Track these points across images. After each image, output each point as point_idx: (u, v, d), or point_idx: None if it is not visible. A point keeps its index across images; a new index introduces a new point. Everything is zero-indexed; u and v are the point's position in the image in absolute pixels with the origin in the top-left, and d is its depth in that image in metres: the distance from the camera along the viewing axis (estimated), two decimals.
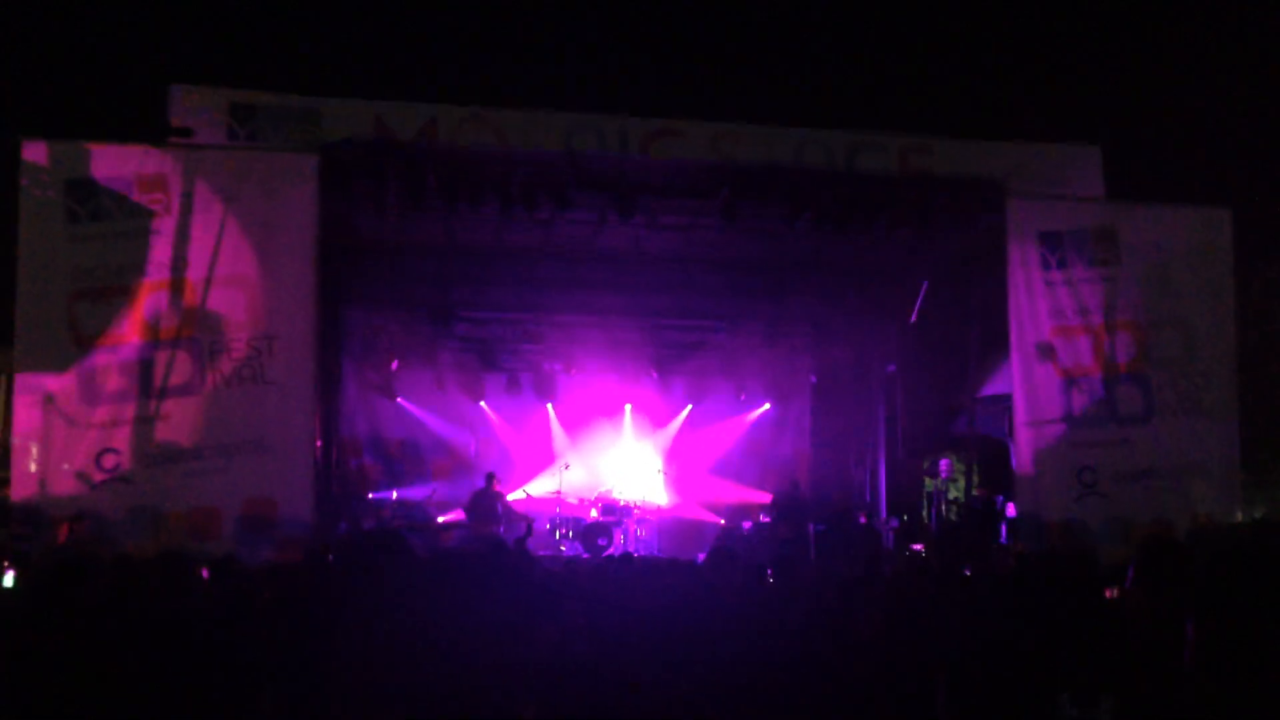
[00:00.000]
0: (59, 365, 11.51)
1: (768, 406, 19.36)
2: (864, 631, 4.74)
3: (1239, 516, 13.78)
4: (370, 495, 17.54)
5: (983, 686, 3.36)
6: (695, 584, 5.76)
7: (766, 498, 17.04)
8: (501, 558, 1.62)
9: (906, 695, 3.88)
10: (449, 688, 1.54)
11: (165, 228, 11.85)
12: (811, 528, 16.61)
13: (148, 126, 13.03)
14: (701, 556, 16.19)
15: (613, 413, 18.88)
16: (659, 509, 17.88)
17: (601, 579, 7.02)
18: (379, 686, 1.57)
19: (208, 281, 11.87)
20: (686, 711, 4.02)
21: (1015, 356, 13.62)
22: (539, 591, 5.59)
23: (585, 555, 14.88)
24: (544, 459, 18.48)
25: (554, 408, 18.74)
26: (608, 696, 3.94)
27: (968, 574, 7.34)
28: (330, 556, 8.43)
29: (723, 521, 17.84)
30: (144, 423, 11.57)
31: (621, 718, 3.94)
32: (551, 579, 7.62)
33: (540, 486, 17.74)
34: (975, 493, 15.35)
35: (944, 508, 16.29)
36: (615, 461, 18.45)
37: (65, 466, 11.41)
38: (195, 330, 11.79)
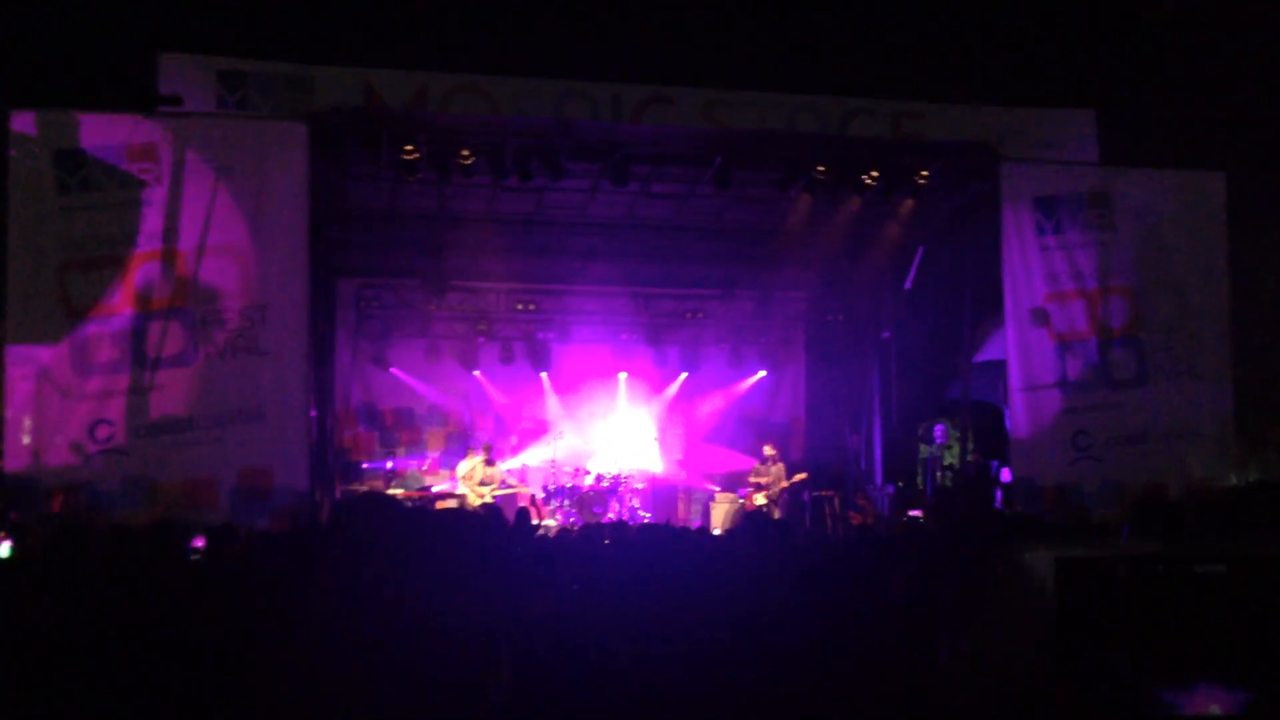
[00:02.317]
0: (51, 337, 11.48)
1: (763, 374, 19.36)
2: (861, 591, 4.76)
3: (1232, 480, 13.83)
4: (365, 464, 17.57)
5: (978, 643, 3.38)
6: (692, 549, 5.77)
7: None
8: (495, 520, 1.61)
9: (909, 653, 3.90)
10: (433, 645, 1.53)
11: (156, 197, 11.79)
12: (807, 494, 16.65)
13: (137, 95, 12.96)
14: (697, 524, 16.28)
15: (607, 381, 18.87)
16: (653, 477, 17.91)
17: (595, 545, 7.04)
18: (365, 645, 1.55)
19: (199, 251, 11.82)
20: (681, 673, 4.02)
21: (1009, 322, 13.64)
22: (532, 555, 5.60)
23: (580, 523, 14.91)
24: (539, 428, 18.50)
25: (548, 376, 18.74)
26: (598, 658, 3.95)
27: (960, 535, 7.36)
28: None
29: (717, 489, 17.89)
30: (137, 393, 11.56)
31: (611, 680, 3.95)
32: (545, 544, 7.65)
33: (535, 455, 17.76)
34: (970, 458, 15.40)
35: (939, 474, 16.35)
36: (610, 430, 18.47)
37: (59, 438, 11.40)
38: (188, 300, 11.76)
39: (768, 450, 16.62)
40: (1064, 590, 1.52)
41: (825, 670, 3.99)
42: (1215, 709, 1.46)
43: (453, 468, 16.67)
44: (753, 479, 16.57)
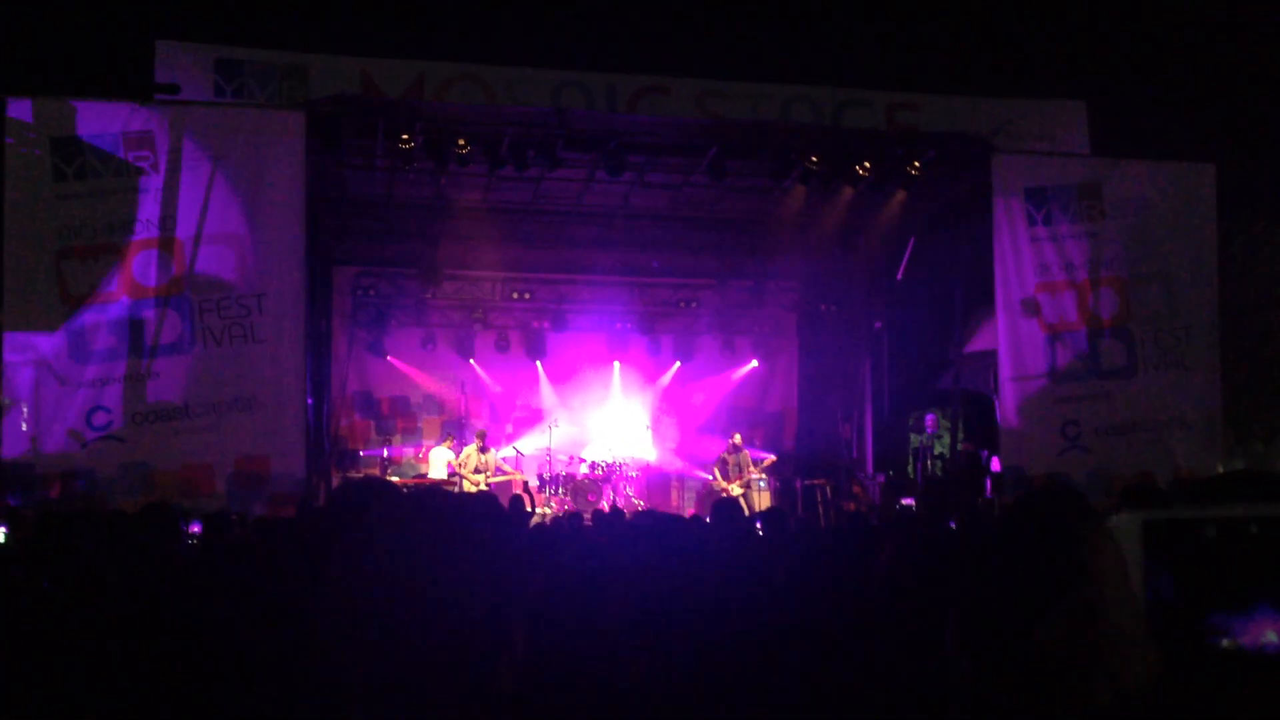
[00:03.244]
0: (48, 324, 11.53)
1: (755, 363, 19.43)
2: (860, 578, 4.84)
3: (1220, 469, 13.94)
4: (361, 452, 17.64)
5: (990, 622, 3.45)
6: (687, 537, 5.85)
7: (756, 454, 17.14)
8: (490, 505, 1.69)
9: (915, 635, 3.98)
10: (432, 628, 1.62)
11: (153, 185, 11.83)
12: (799, 483, 16.74)
13: (134, 83, 13.01)
14: (690, 512, 16.36)
15: (601, 370, 18.94)
16: (647, 465, 17.99)
17: (589, 532, 7.13)
18: (362, 626, 1.64)
19: (196, 239, 11.87)
20: (679, 660, 4.10)
21: (1000, 312, 13.73)
22: (527, 542, 5.69)
23: (574, 511, 14.99)
24: (533, 416, 18.56)
25: (543, 365, 18.80)
26: (595, 642, 4.03)
27: (953, 526, 7.46)
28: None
29: (709, 476, 17.96)
30: (134, 381, 11.62)
31: (610, 665, 4.03)
32: (541, 530, 7.74)
33: (530, 444, 17.83)
34: (960, 448, 15.50)
35: (929, 463, 16.44)
36: (604, 418, 18.54)
37: (56, 425, 11.47)
38: (185, 288, 11.81)
39: (736, 439, 16.58)
40: (1150, 553, 1.55)
41: (823, 651, 4.08)
42: (1272, 636, 1.51)
43: (444, 456, 16.69)
44: (716, 466, 16.52)
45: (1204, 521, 1.53)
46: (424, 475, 16.73)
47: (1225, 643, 1.50)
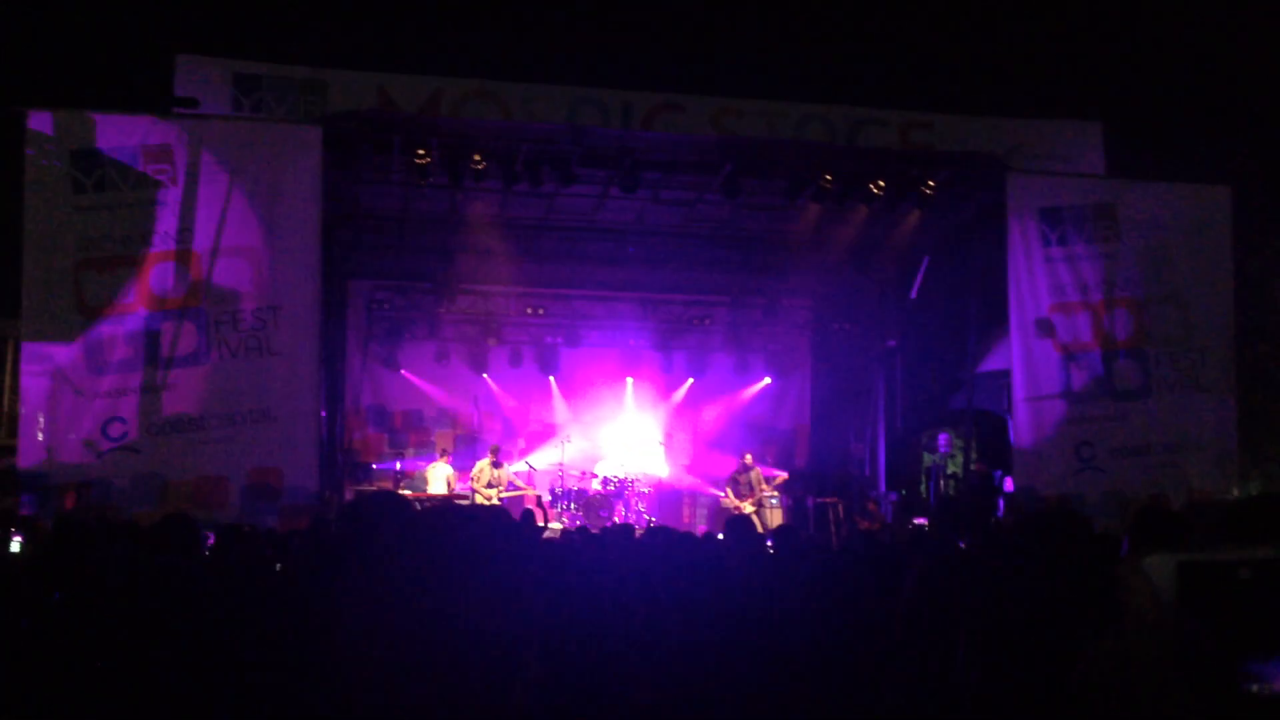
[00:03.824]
0: (65, 335, 11.59)
1: (768, 381, 19.43)
2: (873, 597, 4.82)
3: (1235, 492, 13.86)
4: (374, 465, 17.66)
5: (1001, 644, 3.45)
6: (699, 555, 5.86)
7: (768, 472, 17.11)
8: (503, 520, 1.70)
9: (926, 655, 3.98)
10: (445, 645, 1.62)
11: (171, 198, 11.90)
12: (811, 501, 16.72)
13: (153, 97, 13.09)
14: (702, 529, 16.35)
15: (614, 386, 18.95)
16: (659, 481, 17.98)
17: (600, 549, 7.11)
18: (374, 642, 1.64)
19: (213, 252, 11.93)
20: (691, 679, 4.09)
21: (1014, 332, 13.70)
22: (539, 558, 5.69)
23: (586, 527, 14.99)
24: (546, 431, 18.58)
25: (556, 380, 18.83)
26: (608, 661, 4.02)
27: (963, 546, 7.44)
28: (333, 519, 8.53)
29: (721, 494, 17.93)
30: (151, 392, 11.66)
31: (623, 683, 4.02)
32: (553, 547, 7.73)
33: (542, 459, 17.84)
34: (973, 467, 15.45)
35: (942, 482, 16.40)
36: (616, 434, 18.54)
37: (72, 435, 11.51)
38: (201, 300, 11.86)
39: (747, 458, 16.56)
40: (1184, 595, 1.54)
41: (836, 670, 4.06)
42: None
43: (465, 469, 16.70)
44: (728, 485, 16.51)
45: (1238, 564, 1.53)
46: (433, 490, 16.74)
47: (1257, 688, 1.50)
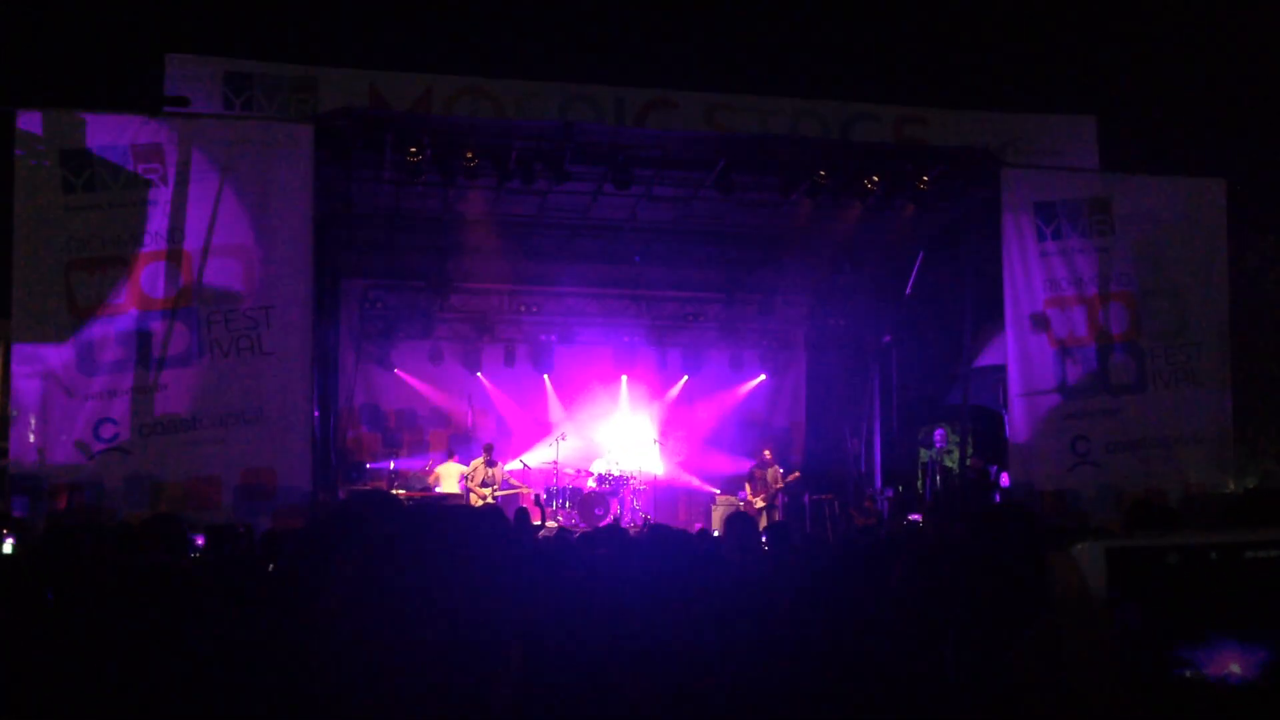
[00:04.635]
0: (56, 336, 11.53)
1: (763, 377, 19.41)
2: (868, 593, 4.79)
3: (1230, 486, 13.88)
4: (368, 465, 17.61)
5: (988, 640, 3.42)
6: (694, 552, 5.82)
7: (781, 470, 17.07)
8: (494, 519, 1.67)
9: (914, 654, 3.94)
10: (428, 644, 1.58)
11: (161, 198, 11.84)
12: (807, 497, 16.69)
13: (143, 96, 13.03)
14: (698, 526, 16.32)
15: (609, 383, 18.92)
16: (654, 479, 17.96)
17: (596, 547, 7.08)
18: (361, 641, 1.61)
19: (204, 252, 11.87)
20: (685, 677, 4.06)
21: (1010, 327, 13.69)
22: (532, 557, 5.65)
23: (581, 525, 14.96)
24: (540, 429, 18.54)
25: (550, 378, 18.79)
26: (602, 660, 3.99)
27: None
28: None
29: (718, 492, 17.91)
30: (142, 393, 11.61)
31: (615, 682, 3.99)
32: (547, 545, 7.70)
33: (537, 457, 17.80)
34: (969, 463, 15.43)
35: (938, 478, 16.38)
36: (611, 432, 18.51)
37: (63, 436, 11.46)
38: (192, 300, 11.81)
39: (766, 454, 16.64)
40: (1113, 581, 1.54)
41: (829, 668, 4.03)
42: (1235, 668, 1.48)
43: (454, 470, 16.68)
44: (749, 482, 16.59)
45: (1166, 549, 1.52)
46: (429, 490, 16.70)
47: (1189, 674, 1.49)
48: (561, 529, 14.56)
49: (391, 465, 17.32)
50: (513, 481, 16.76)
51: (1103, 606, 1.49)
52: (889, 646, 4.21)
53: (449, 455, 16.89)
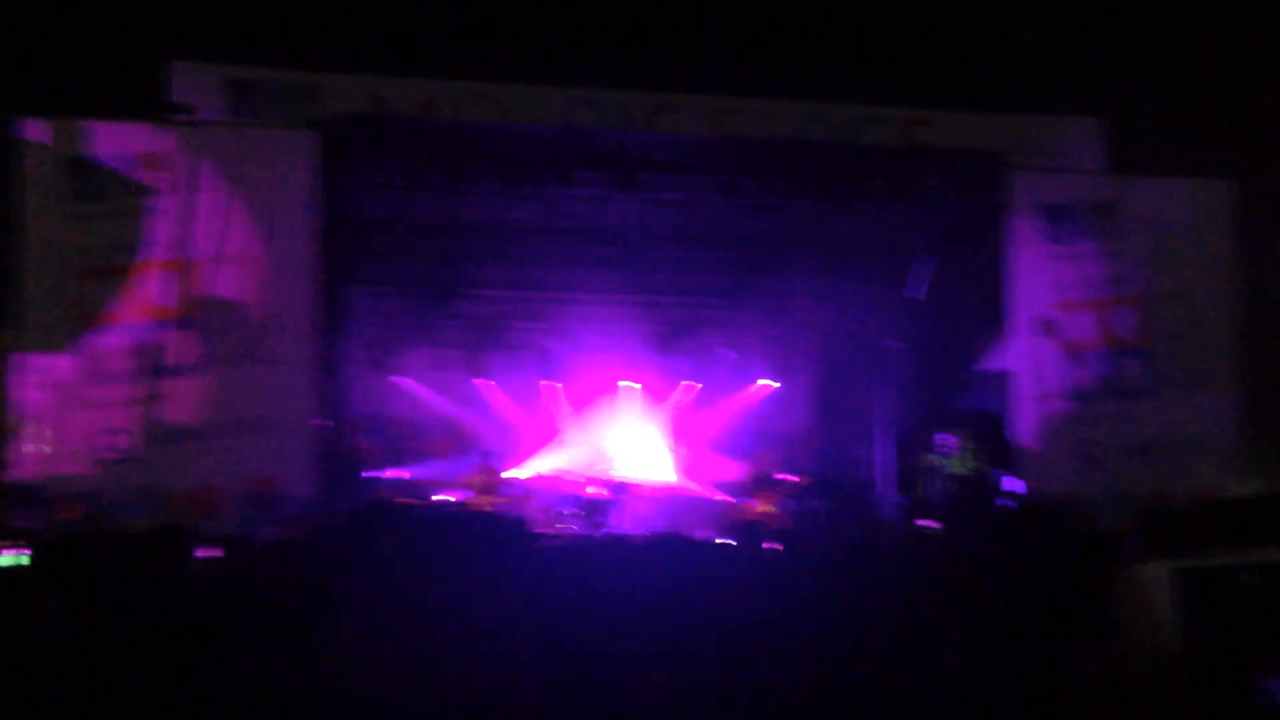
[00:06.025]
0: (63, 345, 11.53)
1: (772, 383, 19.35)
2: (875, 598, 4.76)
3: (1241, 490, 13.79)
4: (373, 473, 17.56)
5: (991, 644, 3.39)
6: (700, 559, 5.78)
7: (788, 478, 16.99)
8: (500, 526, 1.64)
9: (920, 656, 3.91)
10: (442, 650, 1.54)
11: (167, 206, 11.87)
12: (813, 504, 16.61)
13: (149, 104, 13.03)
14: (705, 533, 16.25)
15: (614, 390, 18.88)
16: (661, 486, 17.89)
17: (601, 554, 7.03)
18: (371, 648, 1.57)
19: (211, 260, 11.89)
20: (689, 686, 4.03)
21: (1018, 331, 13.64)
22: (537, 563, 5.60)
23: (586, 533, 14.91)
24: (546, 436, 18.50)
25: (556, 385, 18.75)
26: (607, 665, 3.96)
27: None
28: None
29: (726, 499, 17.83)
30: (149, 402, 11.60)
31: (623, 692, 3.96)
32: (551, 552, 7.65)
33: (542, 464, 17.75)
34: (976, 467, 15.36)
35: (945, 483, 16.31)
36: (617, 439, 18.45)
37: (69, 446, 11.45)
38: (198, 309, 11.81)
39: (774, 460, 16.59)
40: (1187, 601, 1.46)
41: (839, 673, 3.99)
42: None
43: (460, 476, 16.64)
44: (757, 489, 16.49)
45: (1238, 569, 1.43)
46: (436, 498, 16.65)
47: (1267, 704, 1.40)
48: (568, 536, 14.53)
49: (396, 473, 17.30)
50: (517, 489, 16.71)
51: (1171, 630, 1.40)
52: (901, 652, 4.17)
53: (452, 463, 16.82)
